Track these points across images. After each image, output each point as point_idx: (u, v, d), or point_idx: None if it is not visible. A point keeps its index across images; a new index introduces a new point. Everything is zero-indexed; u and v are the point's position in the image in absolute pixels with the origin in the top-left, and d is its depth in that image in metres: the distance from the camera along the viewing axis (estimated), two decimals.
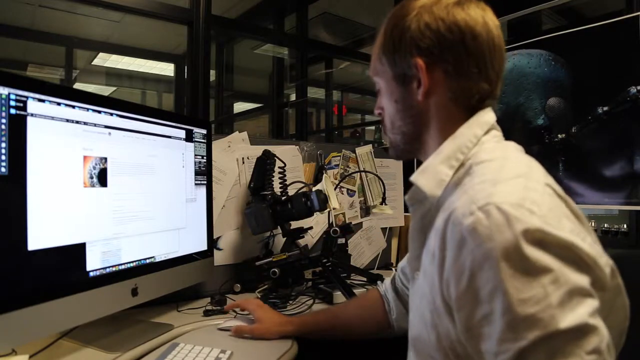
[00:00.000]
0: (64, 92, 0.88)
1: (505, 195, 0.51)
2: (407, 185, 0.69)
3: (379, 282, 1.07)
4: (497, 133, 0.66)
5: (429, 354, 0.62)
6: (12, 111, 0.77)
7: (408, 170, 1.97)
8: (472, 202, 0.52)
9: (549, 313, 0.46)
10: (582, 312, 0.47)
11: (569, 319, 0.46)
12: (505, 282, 0.47)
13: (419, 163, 0.68)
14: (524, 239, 0.48)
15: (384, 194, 1.74)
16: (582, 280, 0.49)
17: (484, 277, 0.49)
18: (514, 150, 0.64)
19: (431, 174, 0.62)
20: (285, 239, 1.46)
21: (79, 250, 0.89)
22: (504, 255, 0.48)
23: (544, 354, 0.46)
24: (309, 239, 1.63)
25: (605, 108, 1.48)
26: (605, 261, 0.54)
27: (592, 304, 0.48)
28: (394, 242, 1.93)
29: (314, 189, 1.40)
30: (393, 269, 1.85)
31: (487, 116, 0.65)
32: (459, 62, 0.63)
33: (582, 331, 0.46)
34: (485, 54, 0.63)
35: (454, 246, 0.52)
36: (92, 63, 4.18)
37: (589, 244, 0.52)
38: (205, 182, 1.29)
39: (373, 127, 4.78)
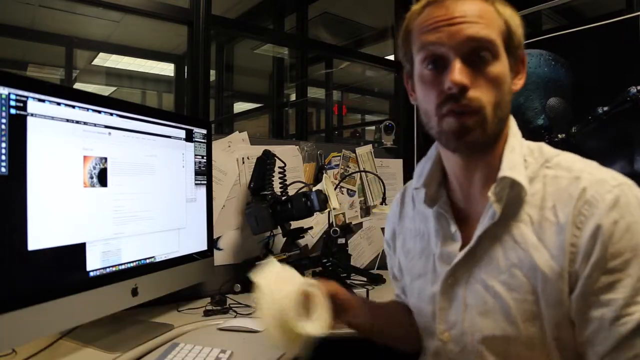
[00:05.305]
0: (64, 92, 0.88)
1: (622, 177, 0.59)
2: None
3: (397, 294, 0.94)
4: None
5: (507, 353, 0.62)
6: (12, 111, 0.77)
7: (408, 170, 1.97)
8: (602, 182, 0.58)
9: None
10: None
11: None
12: None
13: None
14: None
15: (384, 194, 1.74)
16: None
17: (623, 246, 0.54)
18: None
19: (520, 170, 0.63)
20: (285, 239, 1.46)
21: (79, 250, 0.90)
22: None
23: None
24: (309, 239, 1.63)
25: (605, 108, 1.48)
26: None
27: None
28: None
29: (314, 189, 1.40)
30: None
31: None
32: None
33: None
34: None
35: (594, 221, 0.56)
36: (92, 63, 4.17)
37: None
38: (205, 182, 1.29)
39: (373, 127, 4.77)
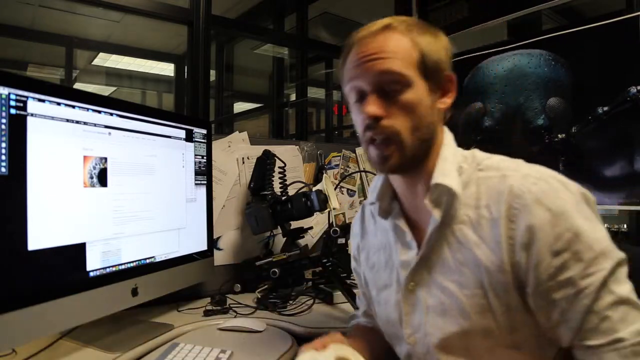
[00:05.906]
0: (64, 92, 0.88)
1: (545, 170, 0.64)
2: None
3: (357, 320, 0.97)
4: None
5: (467, 346, 0.65)
6: (12, 111, 0.77)
7: None
8: (526, 176, 0.63)
9: (612, 246, 0.59)
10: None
11: (619, 252, 0.59)
12: (581, 227, 0.58)
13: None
14: (580, 195, 0.61)
15: None
16: None
17: (561, 228, 0.58)
18: None
19: (453, 176, 0.68)
20: (285, 239, 1.46)
21: (79, 250, 0.90)
22: (574, 208, 0.59)
23: (616, 278, 0.58)
24: (309, 239, 1.63)
25: (605, 108, 1.48)
26: None
27: None
28: None
29: (314, 189, 1.40)
30: None
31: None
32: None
33: (624, 261, 0.59)
34: None
35: (527, 213, 0.60)
36: (92, 63, 4.17)
37: None
38: (205, 182, 1.29)
39: None
